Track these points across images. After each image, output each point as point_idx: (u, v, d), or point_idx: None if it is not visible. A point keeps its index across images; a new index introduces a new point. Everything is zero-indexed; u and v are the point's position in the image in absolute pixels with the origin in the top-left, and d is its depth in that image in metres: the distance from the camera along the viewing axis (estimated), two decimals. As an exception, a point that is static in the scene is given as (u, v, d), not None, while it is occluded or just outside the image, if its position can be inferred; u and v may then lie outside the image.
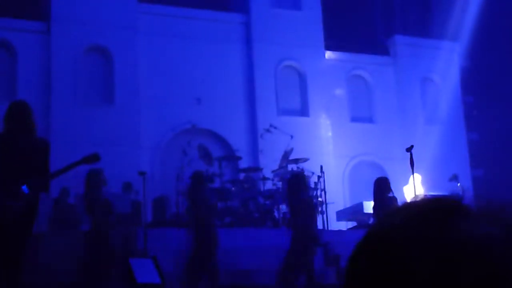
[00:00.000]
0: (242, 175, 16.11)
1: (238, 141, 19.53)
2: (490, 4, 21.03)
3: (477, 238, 0.81)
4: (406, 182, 15.21)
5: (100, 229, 9.92)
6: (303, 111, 20.86)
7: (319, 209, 16.34)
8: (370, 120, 22.10)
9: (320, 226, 14.21)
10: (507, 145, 17.62)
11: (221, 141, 19.82)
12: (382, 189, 11.14)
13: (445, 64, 22.57)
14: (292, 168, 16.40)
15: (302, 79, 21.11)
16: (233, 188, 15.41)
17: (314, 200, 16.19)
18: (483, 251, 0.79)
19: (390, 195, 11.03)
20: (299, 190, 11.13)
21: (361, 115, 21.95)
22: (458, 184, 16.68)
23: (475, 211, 0.85)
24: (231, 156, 17.66)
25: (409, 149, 11.68)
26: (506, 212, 0.84)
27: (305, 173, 16.84)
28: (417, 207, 0.87)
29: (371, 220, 14.03)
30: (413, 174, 11.67)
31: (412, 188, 12.76)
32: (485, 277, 0.78)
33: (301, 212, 10.82)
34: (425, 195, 0.91)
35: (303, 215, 10.80)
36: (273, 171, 16.40)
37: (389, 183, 11.21)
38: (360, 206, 15.56)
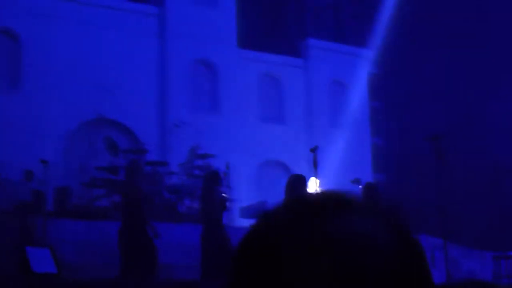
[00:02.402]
0: (148, 169, 16.01)
1: (147, 134, 19.38)
2: (400, 13, 21.57)
3: (360, 232, 0.82)
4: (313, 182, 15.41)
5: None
6: (214, 108, 20.89)
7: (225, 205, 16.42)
8: (279, 120, 22.31)
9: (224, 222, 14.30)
10: (409, 152, 18.11)
11: (129, 133, 19.64)
12: (294, 187, 11.32)
13: (354, 69, 23.04)
14: (198, 164, 16.44)
15: (214, 76, 21.13)
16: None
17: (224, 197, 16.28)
18: (363, 244, 0.81)
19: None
20: (214, 187, 11.29)
21: (271, 115, 22.15)
22: (360, 188, 17.03)
23: (362, 207, 0.86)
24: (137, 149, 17.51)
25: (313, 150, 11.89)
26: (392, 211, 0.86)
27: (213, 169, 16.93)
28: (304, 201, 0.87)
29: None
30: (315, 173, 11.88)
31: (315, 188, 13.00)
32: (359, 269, 0.79)
33: (216, 208, 10.99)
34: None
35: (218, 212, 10.98)
36: (179, 166, 16.39)
37: (305, 182, 11.38)
38: (263, 203, 15.71)
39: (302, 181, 11.29)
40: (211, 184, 11.59)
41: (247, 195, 19.58)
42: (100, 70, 19.27)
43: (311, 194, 0.89)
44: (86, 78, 19.03)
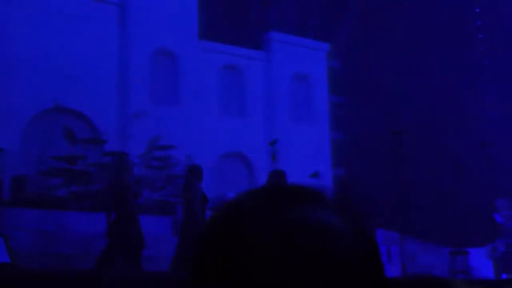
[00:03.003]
0: (107, 159, 15.89)
1: (107, 124, 19.20)
2: (363, 9, 21.68)
3: (317, 221, 0.86)
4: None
5: None
6: (175, 99, 20.77)
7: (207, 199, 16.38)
8: (240, 113, 22.29)
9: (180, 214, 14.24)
10: (369, 147, 18.23)
11: (88, 123, 19.43)
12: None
13: (316, 64, 23.14)
14: (157, 155, 16.35)
15: (175, 67, 21.00)
16: (96, 172, 15.18)
17: (180, 189, 16.22)
18: (319, 234, 0.85)
19: None
20: (194, 181, 11.35)
21: (232, 107, 22.12)
22: (319, 182, 17.13)
23: (321, 199, 0.90)
24: (96, 139, 17.36)
25: (272, 143, 11.94)
26: (348, 204, 0.91)
27: (172, 161, 16.87)
28: (265, 192, 0.91)
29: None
30: (274, 167, 11.92)
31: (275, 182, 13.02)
32: (318, 260, 0.83)
33: (195, 202, 11.05)
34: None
35: (198, 205, 11.05)
36: (138, 156, 16.30)
37: (284, 176, 11.56)
38: (222, 196, 15.70)
39: (282, 176, 11.47)
40: (193, 178, 11.65)
41: (207, 187, 19.53)
42: (60, 58, 19.02)
43: (274, 185, 0.93)
44: (44, 66, 18.76)
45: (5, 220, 10.95)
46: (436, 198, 17.10)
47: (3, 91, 18.25)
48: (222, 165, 21.15)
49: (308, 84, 23.29)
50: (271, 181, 11.57)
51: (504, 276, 13.64)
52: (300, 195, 0.90)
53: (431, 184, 17.73)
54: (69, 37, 19.27)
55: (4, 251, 9.21)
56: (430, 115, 19.85)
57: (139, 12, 20.35)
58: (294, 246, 0.83)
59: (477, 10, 21.98)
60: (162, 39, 20.59)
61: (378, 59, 21.29)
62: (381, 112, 19.78)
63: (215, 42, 21.86)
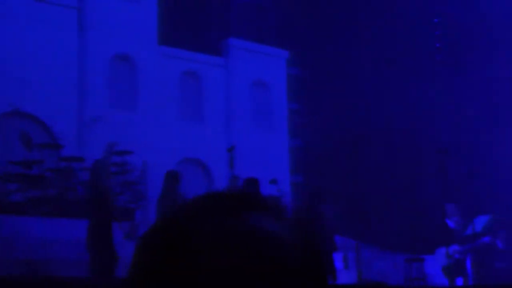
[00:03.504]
0: (62, 164, 15.75)
1: (64, 129, 19.01)
2: (319, 16, 21.84)
3: (261, 231, 0.85)
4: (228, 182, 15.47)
5: None
6: (133, 105, 20.67)
7: (140, 203, 16.30)
8: (198, 119, 22.26)
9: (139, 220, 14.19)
10: (326, 154, 18.36)
11: (45, 128, 19.23)
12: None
13: (275, 71, 23.22)
14: (115, 161, 16.25)
15: (133, 72, 20.90)
16: (52, 177, 15.05)
17: (138, 195, 16.16)
18: (266, 243, 0.84)
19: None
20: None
21: (191, 113, 22.07)
22: (277, 189, 17.17)
23: (268, 207, 0.90)
24: (53, 144, 17.19)
25: (230, 150, 11.97)
26: (297, 213, 0.91)
27: (129, 167, 16.78)
28: (209, 200, 0.90)
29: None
30: (232, 173, 11.96)
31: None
32: (268, 267, 0.83)
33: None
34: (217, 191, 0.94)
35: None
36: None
37: (257, 184, 11.67)
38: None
39: (256, 184, 11.57)
40: (172, 183, 11.66)
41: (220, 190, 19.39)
42: (17, 62, 18.81)
43: (221, 191, 0.92)
44: (1, 70, 18.54)
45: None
46: (391, 205, 17.28)
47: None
48: (180, 171, 21.06)
49: (267, 91, 23.36)
50: (245, 190, 11.64)
51: (459, 280, 13.82)
52: (245, 202, 0.89)
53: (387, 191, 17.92)
54: (27, 41, 19.07)
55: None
56: (385, 122, 20.07)
57: (98, 17, 20.22)
58: (238, 254, 0.82)
59: (435, 20, 22.29)
60: (121, 44, 20.48)
61: (336, 67, 21.47)
62: (338, 120, 19.93)
63: (174, 48, 21.81)
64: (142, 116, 20.55)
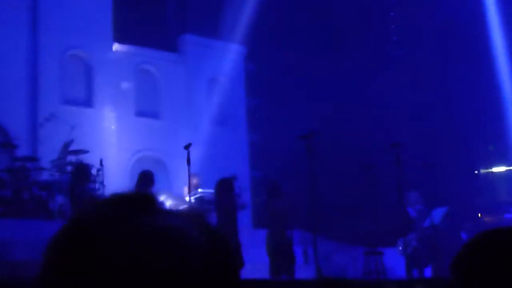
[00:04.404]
0: (17, 164, 15.50)
1: (17, 128, 18.74)
2: (275, 10, 21.83)
3: (163, 230, 0.86)
4: (187, 179, 15.37)
5: None
6: (88, 102, 20.46)
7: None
8: (156, 115, 22.13)
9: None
10: (285, 149, 18.34)
11: (-2, 127, 18.95)
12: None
13: (231, 66, 23.15)
14: (71, 160, 16.06)
15: (88, 69, 20.69)
16: (6, 177, 14.80)
17: (93, 193, 15.94)
18: (168, 241, 0.85)
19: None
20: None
21: (147, 110, 21.93)
22: (237, 185, 17.09)
23: (164, 207, 0.91)
24: (7, 143, 16.93)
25: (187, 147, 11.90)
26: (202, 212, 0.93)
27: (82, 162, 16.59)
28: (113, 202, 0.90)
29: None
30: (189, 170, 11.89)
31: (189, 186, 12.97)
32: (171, 267, 0.83)
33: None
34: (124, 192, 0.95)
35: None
36: (51, 161, 15.96)
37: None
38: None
39: (231, 185, 11.62)
40: (146, 184, 11.55)
41: (122, 191, 19.26)
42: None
43: (125, 193, 0.93)
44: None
45: None
46: (350, 199, 17.36)
47: None
48: (137, 169, 20.90)
49: (225, 87, 23.29)
50: (220, 190, 11.84)
51: (414, 272, 13.90)
52: (149, 204, 0.90)
53: (345, 185, 18.00)
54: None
55: None
56: (342, 117, 20.18)
57: (51, 15, 19.96)
58: (144, 254, 0.82)
59: (391, 13, 22.42)
60: (75, 41, 20.25)
61: (292, 62, 21.48)
62: (295, 114, 19.97)
63: (130, 45, 21.64)
64: (98, 114, 20.35)
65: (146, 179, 11.72)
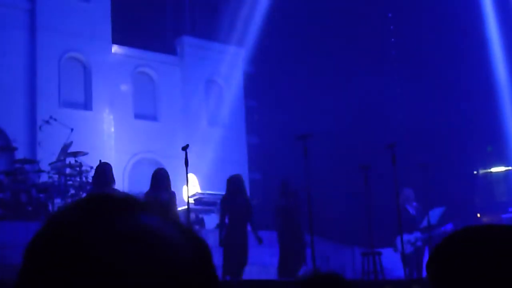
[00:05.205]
0: (16, 167, 15.53)
1: (16, 131, 18.78)
2: (274, 12, 21.85)
3: (151, 233, 0.86)
4: (185, 181, 15.38)
5: None
6: (86, 105, 20.48)
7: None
8: (154, 117, 22.14)
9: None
10: (284, 150, 18.37)
11: (-3, 130, 18.98)
12: (237, 186, 11.73)
13: (229, 68, 23.14)
14: (69, 162, 16.08)
15: (87, 72, 20.71)
16: (5, 180, 14.83)
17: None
18: (156, 244, 0.85)
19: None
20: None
21: (145, 112, 21.94)
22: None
23: (148, 206, 0.91)
24: (5, 147, 16.96)
25: (184, 148, 11.90)
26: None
27: (84, 168, 16.62)
28: (97, 202, 0.89)
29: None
30: (187, 172, 11.90)
31: (189, 187, 12.99)
32: (153, 269, 0.82)
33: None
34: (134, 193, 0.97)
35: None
36: (50, 164, 15.98)
37: (242, 180, 11.84)
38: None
39: (242, 181, 11.77)
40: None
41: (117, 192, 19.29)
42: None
43: (109, 193, 0.92)
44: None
45: None
46: (346, 199, 17.39)
47: None
48: (136, 171, 20.95)
49: (224, 88, 23.30)
50: (230, 186, 11.93)
51: (414, 272, 13.90)
52: (134, 204, 0.90)
53: (341, 186, 18.04)
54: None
55: None
56: (337, 118, 20.21)
57: (50, 17, 19.98)
58: (128, 256, 0.82)
59: (389, 14, 22.44)
60: (74, 43, 20.28)
61: (290, 63, 21.50)
62: (292, 116, 20.00)
63: (128, 47, 21.66)
64: (97, 116, 20.37)
65: (161, 178, 11.79)
